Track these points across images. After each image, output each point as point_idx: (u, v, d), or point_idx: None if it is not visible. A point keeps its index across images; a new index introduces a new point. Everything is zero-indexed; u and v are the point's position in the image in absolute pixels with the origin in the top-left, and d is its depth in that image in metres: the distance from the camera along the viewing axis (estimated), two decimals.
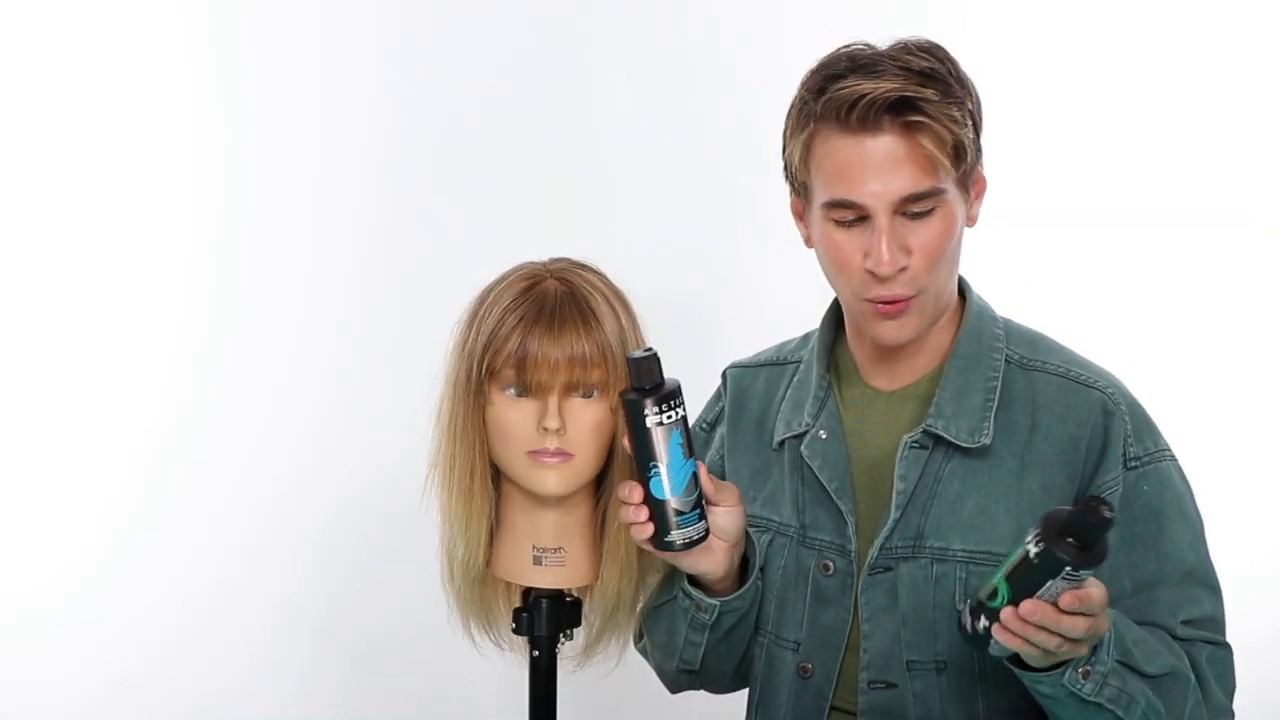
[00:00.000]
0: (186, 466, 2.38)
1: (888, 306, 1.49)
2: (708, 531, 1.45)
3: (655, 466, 1.40)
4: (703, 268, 2.50)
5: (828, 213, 1.49)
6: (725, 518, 1.47)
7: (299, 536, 2.41)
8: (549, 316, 1.45)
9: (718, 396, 1.76)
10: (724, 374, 1.75)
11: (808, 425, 1.60)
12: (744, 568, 1.56)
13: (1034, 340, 1.60)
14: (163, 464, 2.37)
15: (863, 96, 1.44)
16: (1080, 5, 2.46)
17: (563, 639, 1.55)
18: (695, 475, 1.42)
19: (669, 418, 1.39)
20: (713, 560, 1.49)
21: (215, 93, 2.41)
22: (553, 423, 1.45)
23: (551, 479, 1.47)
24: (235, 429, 2.41)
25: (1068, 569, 1.27)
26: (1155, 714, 1.42)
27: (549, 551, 1.52)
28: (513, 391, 1.47)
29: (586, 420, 1.47)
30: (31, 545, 2.31)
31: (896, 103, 1.44)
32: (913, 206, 1.46)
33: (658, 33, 2.55)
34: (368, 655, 2.45)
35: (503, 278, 1.52)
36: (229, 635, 2.39)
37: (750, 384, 1.72)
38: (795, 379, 1.66)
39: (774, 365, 1.71)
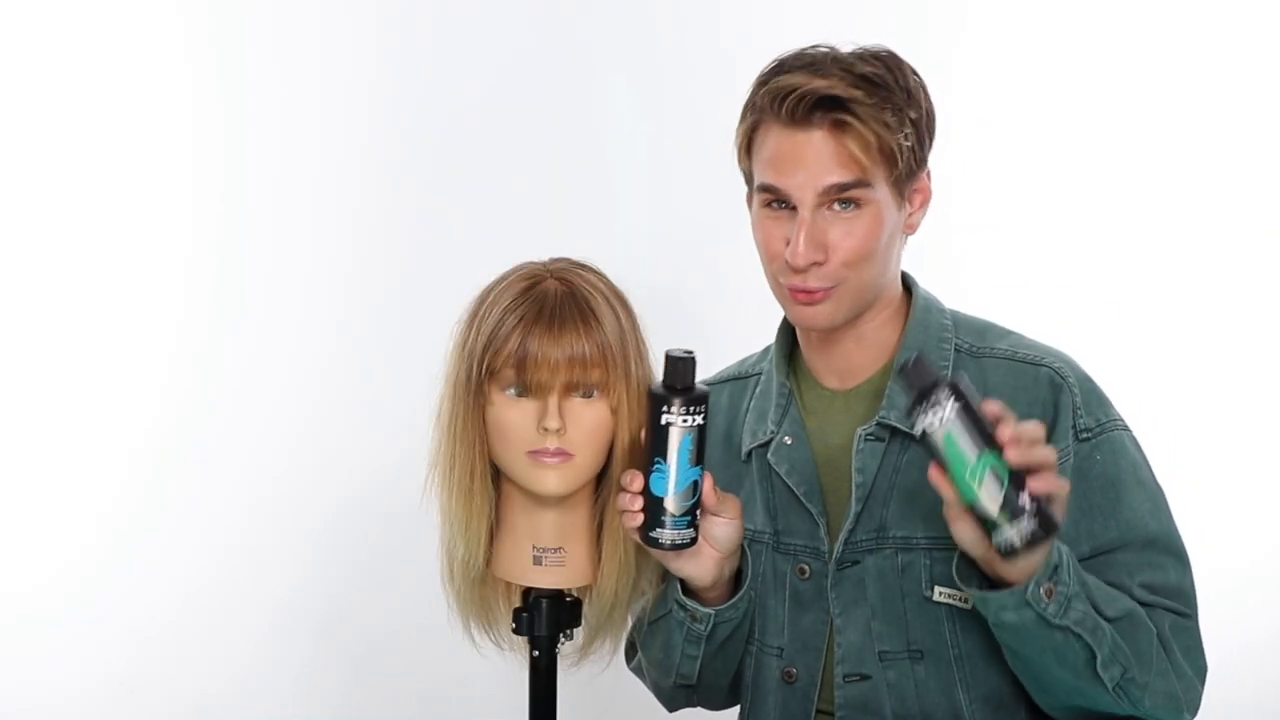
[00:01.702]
0: (186, 466, 2.39)
1: (802, 295, 1.52)
2: (695, 540, 1.46)
3: (661, 463, 1.41)
4: (703, 268, 2.50)
5: (760, 196, 1.53)
6: (723, 529, 1.48)
7: (299, 536, 2.42)
8: (549, 316, 1.45)
9: None
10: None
11: (772, 433, 1.62)
12: (736, 580, 1.57)
13: (983, 329, 1.60)
14: (163, 464, 2.38)
15: (794, 90, 1.48)
16: (1080, 5, 2.46)
17: (562, 639, 1.55)
18: (697, 483, 1.43)
19: (685, 421, 1.40)
20: (701, 567, 1.50)
21: (215, 93, 2.41)
22: (553, 423, 1.45)
23: (551, 479, 1.47)
24: (235, 429, 2.41)
25: (954, 402, 1.30)
26: (1123, 655, 1.41)
27: (549, 551, 1.52)
28: (513, 391, 1.46)
29: (586, 420, 1.47)
30: (31, 545, 2.31)
31: (826, 100, 1.47)
32: (839, 198, 1.49)
33: (658, 33, 2.56)
34: (368, 655, 2.45)
35: (503, 278, 1.52)
36: (229, 635, 2.39)
37: (714, 401, 1.68)
38: (758, 390, 1.68)
39: (736, 380, 1.73)
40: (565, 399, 1.46)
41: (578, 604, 1.56)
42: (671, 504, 1.42)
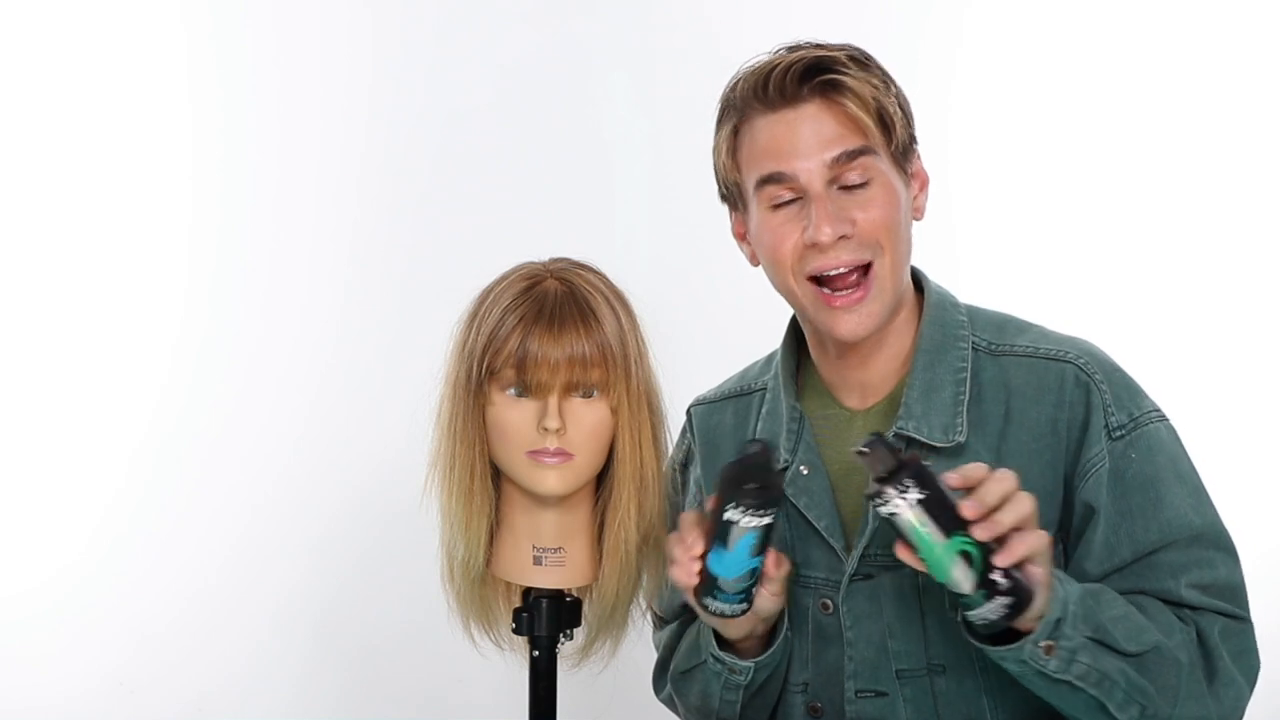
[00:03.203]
0: (186, 467, 2.39)
1: (844, 297, 1.44)
2: (745, 613, 1.42)
3: (721, 548, 1.36)
4: (703, 268, 2.50)
5: (761, 194, 1.46)
6: (768, 602, 1.44)
7: (299, 536, 2.42)
8: (549, 316, 1.45)
9: (684, 434, 1.71)
10: (688, 412, 1.70)
11: (786, 461, 1.55)
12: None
13: (1001, 324, 1.53)
14: (162, 464, 2.38)
15: (775, 67, 1.44)
16: (1081, 4, 2.46)
17: (563, 639, 1.55)
18: (754, 570, 1.38)
19: (750, 522, 1.33)
20: (740, 629, 1.47)
21: (216, 94, 2.42)
22: (553, 423, 1.44)
23: (551, 479, 1.47)
24: (235, 430, 2.41)
25: (917, 489, 1.24)
26: (1142, 694, 1.34)
27: (549, 551, 1.52)
28: (513, 391, 1.46)
29: (586, 420, 1.47)
30: (32, 545, 2.31)
31: (811, 68, 1.43)
32: (846, 172, 1.43)
33: (658, 33, 2.56)
34: (367, 655, 2.45)
35: (503, 278, 1.51)
36: (229, 635, 2.39)
37: (719, 421, 1.66)
38: (764, 409, 1.61)
39: (740, 396, 1.66)
40: (565, 399, 1.46)
41: (578, 604, 1.56)
42: (727, 584, 1.38)
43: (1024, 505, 1.26)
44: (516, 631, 1.55)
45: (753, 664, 1.50)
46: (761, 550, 1.36)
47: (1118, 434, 1.44)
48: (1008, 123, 2.45)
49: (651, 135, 2.55)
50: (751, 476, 1.32)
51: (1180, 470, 1.46)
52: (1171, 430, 1.48)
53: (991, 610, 1.27)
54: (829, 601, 1.52)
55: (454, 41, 2.51)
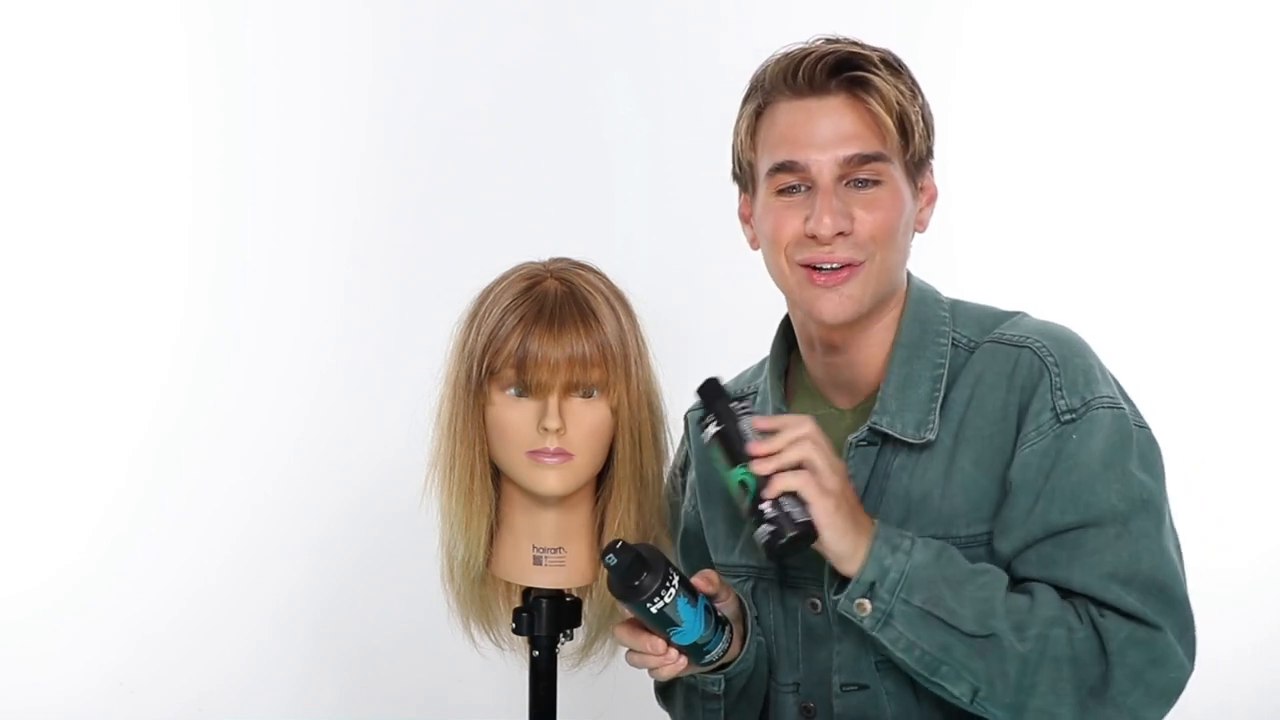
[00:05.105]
0: (186, 467, 2.39)
1: (827, 276, 1.45)
2: (731, 634, 1.46)
3: (673, 629, 1.40)
4: (703, 268, 2.51)
5: (771, 181, 1.47)
6: (722, 609, 1.46)
7: (299, 537, 2.42)
8: (549, 316, 1.45)
9: (684, 440, 1.71)
10: (685, 418, 1.69)
11: None
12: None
13: (982, 317, 1.54)
14: (162, 465, 2.38)
15: (809, 54, 1.46)
16: (1081, 6, 2.46)
17: (562, 639, 1.55)
18: (707, 608, 1.42)
19: (670, 595, 1.38)
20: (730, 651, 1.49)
21: (216, 93, 2.42)
22: (552, 423, 1.45)
23: (551, 479, 1.47)
24: (235, 430, 2.41)
25: (715, 424, 1.40)
26: (972, 675, 1.37)
27: (549, 551, 1.52)
28: (513, 391, 1.47)
29: (586, 420, 1.47)
30: (32, 545, 2.32)
31: (842, 62, 1.44)
32: (857, 172, 1.44)
33: (658, 33, 2.56)
34: (367, 655, 2.45)
35: (503, 278, 1.52)
36: (229, 635, 2.39)
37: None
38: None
39: None
40: (565, 399, 1.46)
41: (578, 604, 1.56)
42: (703, 639, 1.42)
43: (804, 450, 1.36)
44: (516, 631, 1.55)
45: (722, 677, 1.52)
46: (694, 595, 1.41)
47: (1066, 418, 1.42)
48: (1007, 123, 2.45)
49: (651, 135, 2.55)
50: (636, 576, 1.37)
51: (1113, 457, 1.41)
52: (1121, 418, 1.44)
53: (759, 536, 1.38)
54: (818, 601, 1.52)
55: (454, 41, 2.51)
